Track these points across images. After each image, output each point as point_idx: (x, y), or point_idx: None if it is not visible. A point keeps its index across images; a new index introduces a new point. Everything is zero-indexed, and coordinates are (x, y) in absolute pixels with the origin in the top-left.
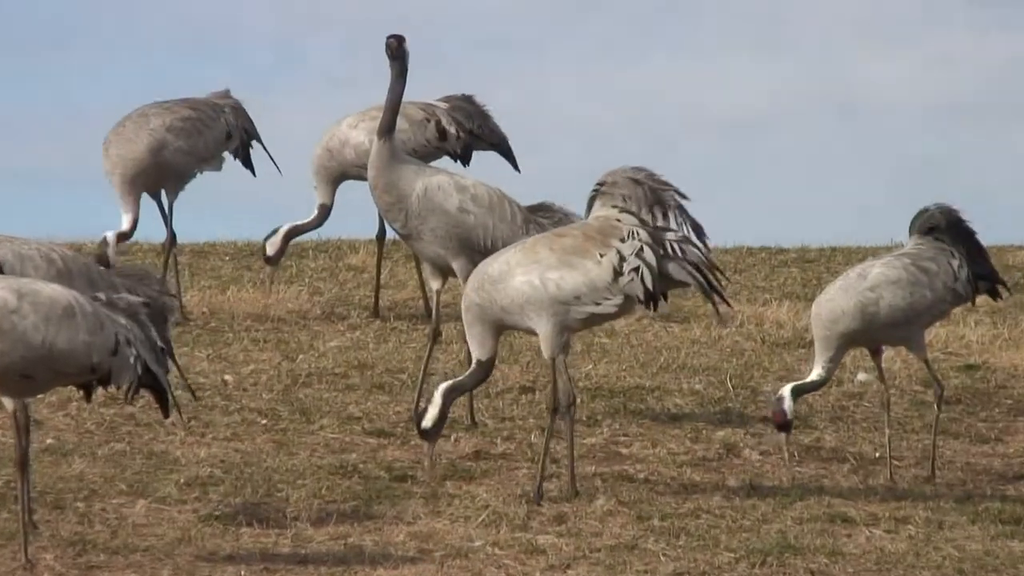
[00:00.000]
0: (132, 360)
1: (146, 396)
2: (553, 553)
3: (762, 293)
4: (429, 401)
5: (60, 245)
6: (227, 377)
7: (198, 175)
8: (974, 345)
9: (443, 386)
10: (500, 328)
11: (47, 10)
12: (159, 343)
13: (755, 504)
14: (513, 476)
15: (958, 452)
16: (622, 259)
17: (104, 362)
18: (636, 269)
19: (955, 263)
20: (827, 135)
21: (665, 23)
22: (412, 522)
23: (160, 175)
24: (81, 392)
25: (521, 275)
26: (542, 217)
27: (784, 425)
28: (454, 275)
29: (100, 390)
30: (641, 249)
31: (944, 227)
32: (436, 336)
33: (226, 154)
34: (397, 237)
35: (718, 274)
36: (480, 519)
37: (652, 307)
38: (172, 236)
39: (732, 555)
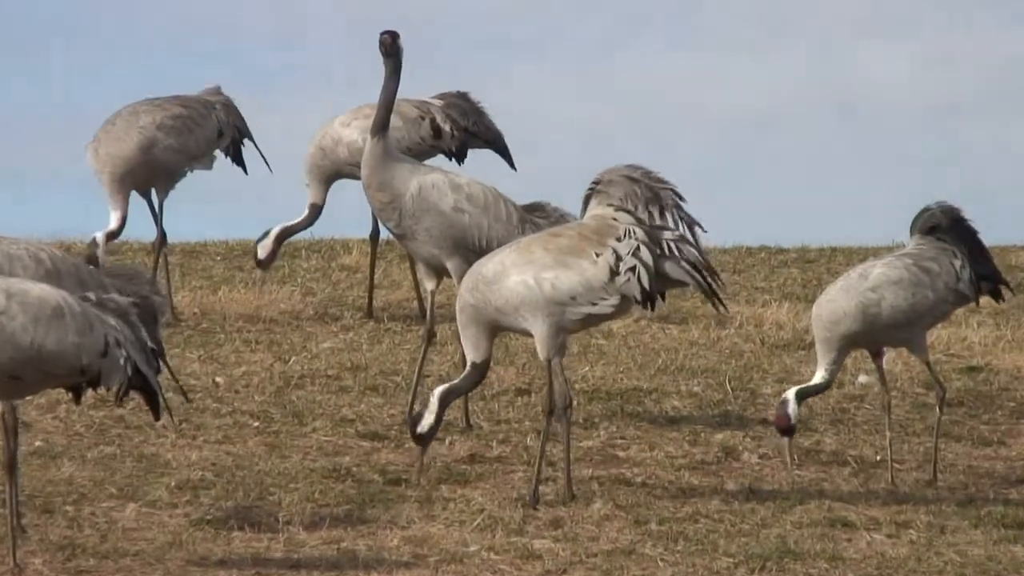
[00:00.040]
0: (122, 361)
1: (136, 398)
2: (549, 558)
3: (761, 294)
4: (425, 406)
5: (49, 244)
6: (218, 379)
7: (189, 173)
8: (976, 347)
9: (439, 391)
10: (495, 330)
11: (47, 9)
12: (149, 344)
13: (754, 508)
14: (509, 480)
15: (960, 455)
16: (618, 258)
17: (94, 363)
18: (633, 269)
19: (957, 263)
20: (827, 134)
21: (664, 21)
22: (406, 526)
23: (150, 173)
24: (70, 394)
25: (516, 275)
26: (538, 217)
27: (787, 429)
28: (449, 275)
29: (90, 392)
30: (638, 248)
31: (946, 226)
32: (431, 337)
33: (217, 152)
34: (391, 237)
35: (714, 275)
36: (475, 523)
37: (649, 307)
38: (162, 235)
39: (731, 560)
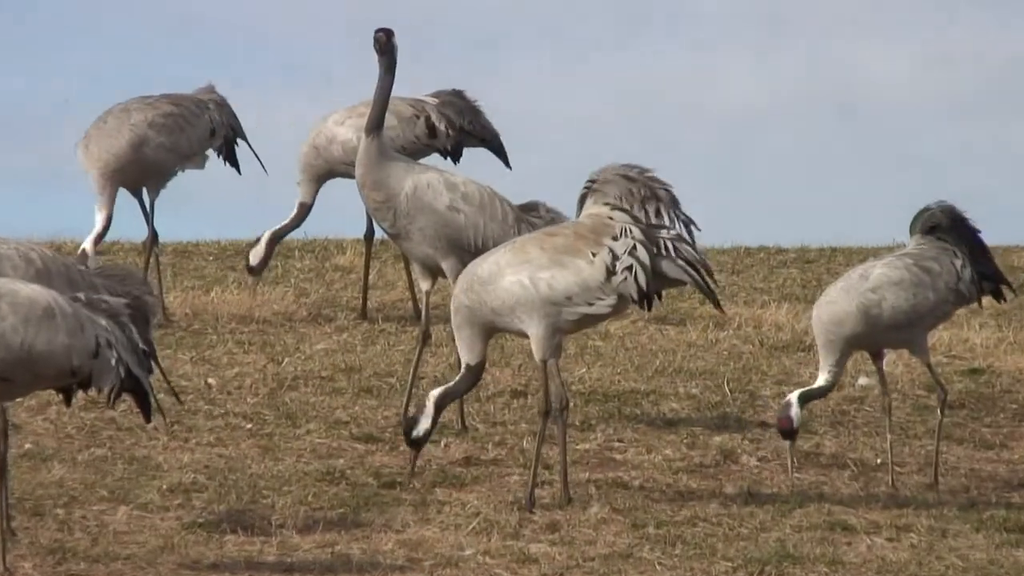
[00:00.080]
0: (113, 363)
1: (128, 400)
2: (546, 562)
3: (760, 294)
4: (421, 410)
5: (39, 244)
6: (211, 380)
7: (181, 173)
8: (978, 348)
9: (434, 395)
10: (490, 331)
11: (46, 8)
12: (141, 345)
13: (753, 512)
14: (504, 483)
15: (962, 458)
16: (615, 258)
17: (84, 365)
18: (629, 268)
19: (958, 263)
20: (827, 134)
21: (663, 20)
22: (401, 530)
23: (141, 172)
24: (61, 396)
25: (511, 275)
26: (534, 217)
27: (790, 432)
28: (444, 276)
29: (80, 394)
30: (634, 247)
31: (946, 226)
32: (425, 338)
33: (210, 152)
34: (386, 236)
35: (710, 274)
36: (471, 527)
37: (646, 307)
38: (154, 235)
39: (729, 564)
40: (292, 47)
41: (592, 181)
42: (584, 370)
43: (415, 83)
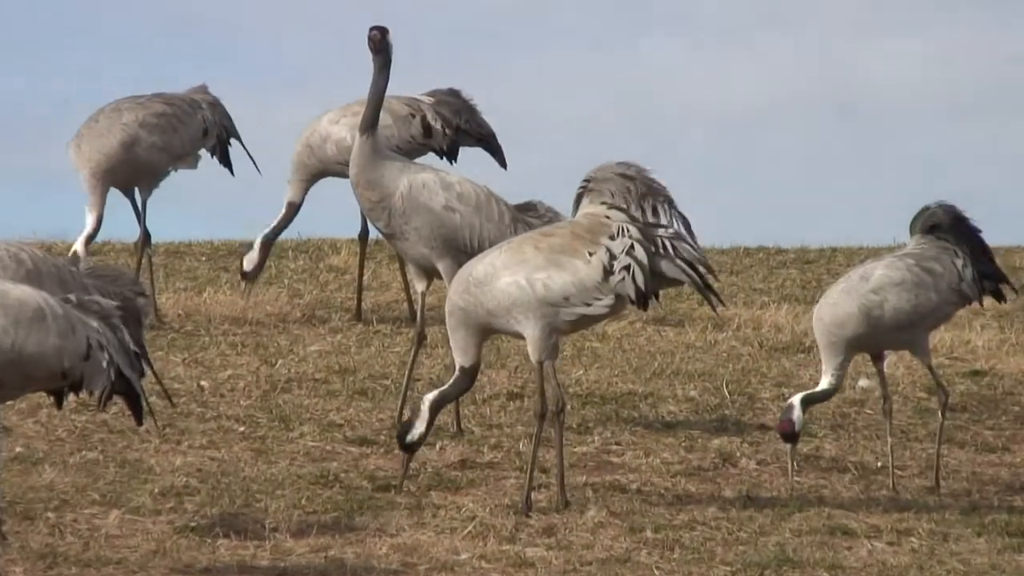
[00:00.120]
0: (105, 365)
1: (119, 402)
2: (542, 566)
3: (760, 295)
4: (416, 414)
5: (29, 245)
6: (203, 383)
7: (173, 172)
8: (980, 350)
9: (429, 399)
10: (486, 333)
11: (45, 7)
12: (133, 347)
13: (752, 516)
14: (501, 486)
15: (963, 461)
16: (612, 257)
17: (76, 367)
18: (627, 268)
19: (959, 262)
20: (827, 133)
21: (662, 18)
22: (395, 534)
23: (133, 172)
24: (52, 398)
25: (507, 276)
26: (530, 216)
27: (791, 436)
28: (439, 276)
29: (72, 396)
30: (632, 247)
31: (947, 225)
32: (421, 340)
33: (203, 152)
34: (380, 237)
35: (710, 272)
36: (466, 531)
37: (644, 307)
38: (146, 235)
39: (728, 569)
40: (291, 47)
41: (588, 180)
42: (581, 372)
43: (410, 82)
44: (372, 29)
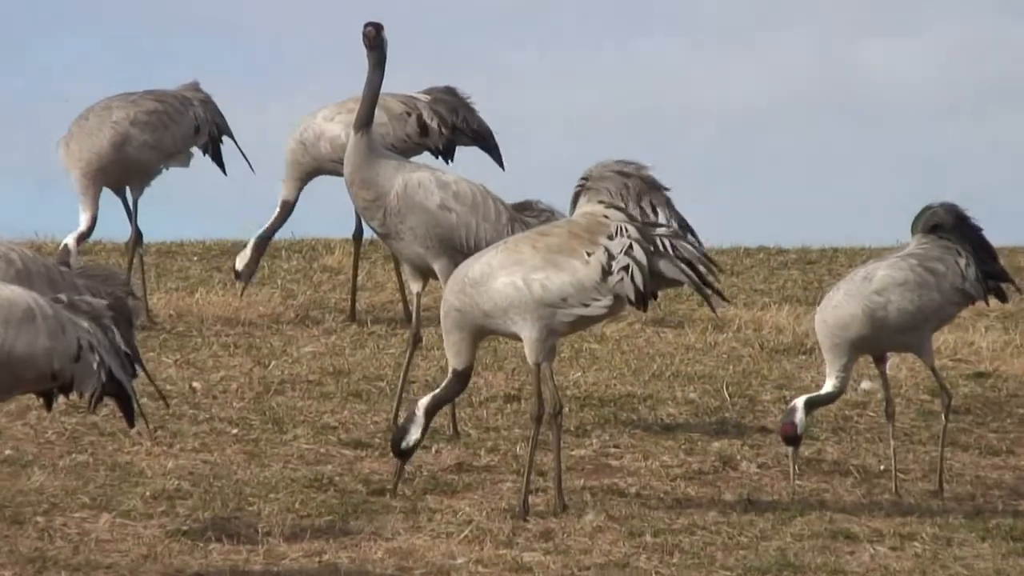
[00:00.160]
0: (95, 366)
1: (110, 404)
2: (540, 571)
3: (761, 296)
4: (411, 420)
5: (19, 244)
6: (195, 384)
7: (164, 171)
8: (984, 352)
9: (423, 403)
10: (481, 334)
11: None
12: (124, 348)
13: (753, 520)
14: (497, 490)
15: (967, 465)
16: (611, 257)
17: (66, 368)
18: (626, 268)
19: (962, 262)
20: (828, 133)
21: (662, 15)
22: (391, 538)
23: (124, 171)
24: (41, 400)
25: (504, 276)
26: (528, 216)
27: (793, 439)
28: (435, 277)
29: (62, 398)
30: (630, 246)
31: (949, 225)
32: (416, 341)
33: (195, 149)
34: (375, 236)
35: (712, 270)
36: (463, 535)
37: (643, 308)
38: (137, 235)
39: (728, 573)
40: (287, 42)
41: (586, 178)
42: (579, 374)
43: (407, 80)
44: (367, 25)
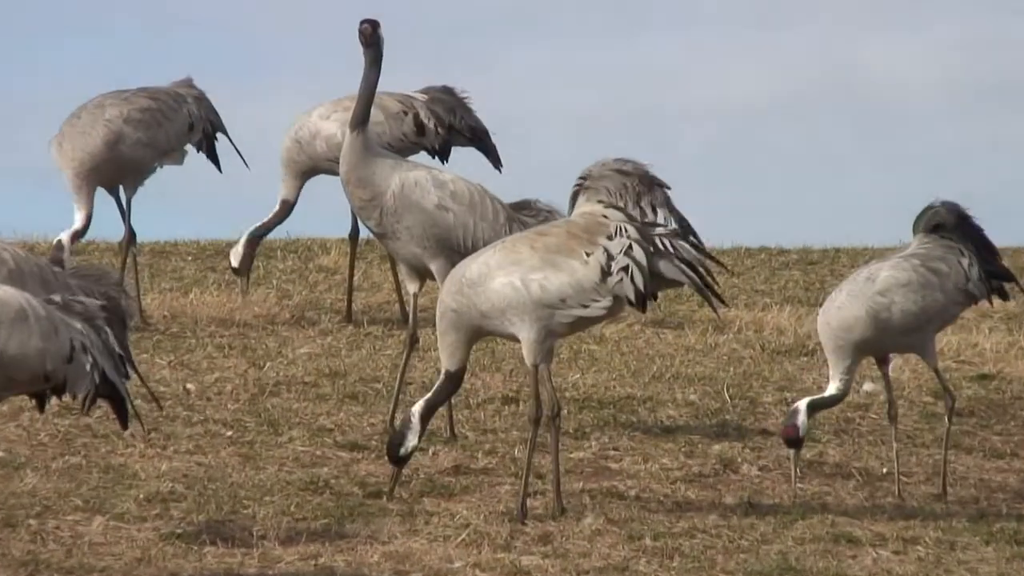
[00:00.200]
0: (89, 368)
1: (103, 406)
2: (538, 575)
3: (762, 297)
4: (407, 426)
5: (12, 244)
6: (189, 386)
7: (158, 169)
8: (988, 353)
9: (418, 409)
10: (477, 336)
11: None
12: (117, 349)
13: (754, 523)
14: (495, 492)
15: (971, 467)
16: (610, 258)
17: (59, 370)
18: (625, 268)
19: (965, 262)
20: (830, 132)
21: (662, 11)
22: (387, 541)
23: (117, 169)
24: (34, 401)
25: (502, 277)
26: (526, 215)
27: (795, 441)
28: (432, 277)
29: (54, 400)
30: (630, 247)
31: (951, 224)
32: (413, 342)
33: (189, 147)
34: (371, 236)
35: (712, 268)
36: (460, 538)
37: (642, 309)
38: (131, 234)
39: None
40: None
41: (584, 177)
42: (578, 375)
43: (404, 78)
44: (363, 22)
